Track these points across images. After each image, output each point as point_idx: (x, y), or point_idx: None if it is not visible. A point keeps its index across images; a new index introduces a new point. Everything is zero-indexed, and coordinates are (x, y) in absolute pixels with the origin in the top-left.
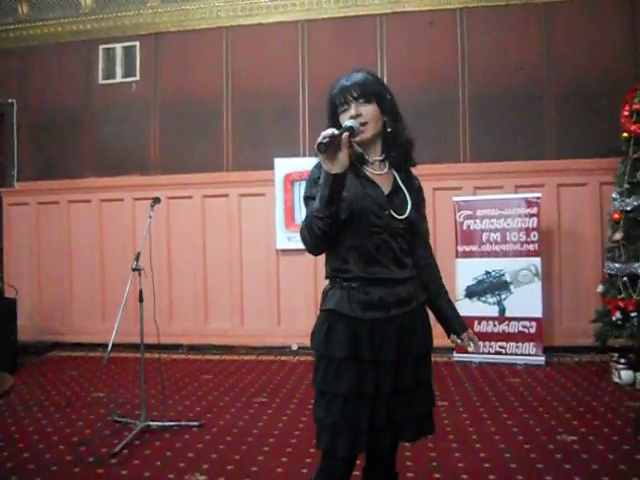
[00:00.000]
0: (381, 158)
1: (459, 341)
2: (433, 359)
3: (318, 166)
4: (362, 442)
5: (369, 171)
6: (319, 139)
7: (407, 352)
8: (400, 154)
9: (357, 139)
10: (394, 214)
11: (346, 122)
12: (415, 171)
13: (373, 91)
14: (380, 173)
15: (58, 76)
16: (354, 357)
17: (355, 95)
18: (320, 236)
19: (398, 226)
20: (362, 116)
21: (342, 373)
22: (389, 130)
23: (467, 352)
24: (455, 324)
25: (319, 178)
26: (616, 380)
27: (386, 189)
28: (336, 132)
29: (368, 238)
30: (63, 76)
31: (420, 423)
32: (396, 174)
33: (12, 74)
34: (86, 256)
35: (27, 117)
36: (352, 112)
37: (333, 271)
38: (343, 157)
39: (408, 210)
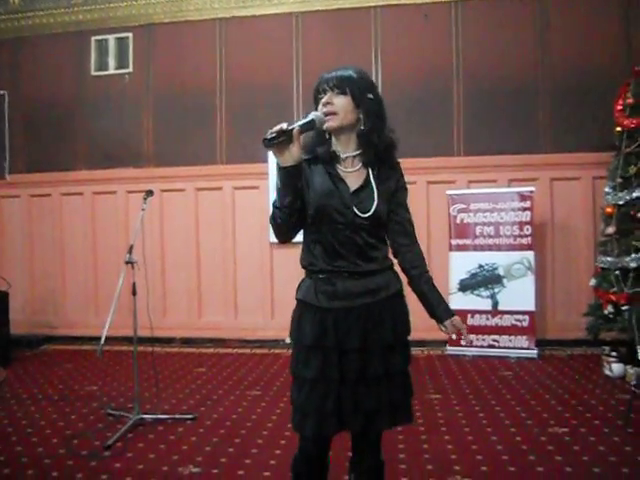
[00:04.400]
0: (354, 154)
1: (443, 328)
2: (426, 352)
3: None
4: (328, 425)
5: (340, 168)
6: (266, 134)
7: (374, 341)
8: (373, 152)
9: (324, 127)
10: (357, 211)
11: (310, 114)
12: (408, 164)
13: (350, 85)
14: (351, 170)
15: (50, 68)
16: (320, 345)
17: (331, 85)
18: (281, 225)
19: (362, 222)
20: (333, 105)
21: (310, 360)
22: (362, 128)
23: (460, 345)
24: (438, 311)
25: None
26: (607, 373)
27: (354, 185)
28: (285, 126)
29: (332, 234)
30: (55, 68)
31: (395, 411)
32: (370, 170)
33: (3, 65)
34: (79, 249)
35: (19, 109)
36: (325, 99)
37: (304, 262)
38: (294, 150)
39: (373, 207)
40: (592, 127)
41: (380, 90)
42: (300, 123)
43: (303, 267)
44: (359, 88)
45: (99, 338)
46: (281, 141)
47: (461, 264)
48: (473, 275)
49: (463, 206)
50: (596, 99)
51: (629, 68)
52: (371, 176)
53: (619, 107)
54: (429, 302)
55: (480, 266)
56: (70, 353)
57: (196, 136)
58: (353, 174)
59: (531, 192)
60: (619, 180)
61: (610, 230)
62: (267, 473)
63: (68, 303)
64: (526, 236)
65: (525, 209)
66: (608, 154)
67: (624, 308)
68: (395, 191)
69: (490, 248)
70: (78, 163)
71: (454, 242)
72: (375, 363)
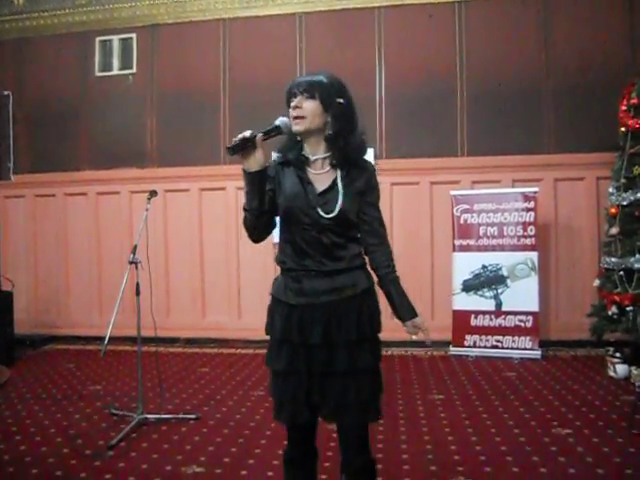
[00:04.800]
0: (323, 157)
1: (405, 328)
2: (430, 353)
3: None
4: (302, 414)
5: (310, 170)
6: (231, 142)
7: (337, 337)
8: (340, 155)
9: (295, 130)
10: (321, 212)
11: (276, 120)
12: (412, 165)
13: (319, 90)
14: (320, 172)
15: (54, 68)
16: (288, 339)
17: (301, 89)
18: (250, 227)
19: (327, 222)
20: (301, 109)
21: (280, 353)
22: (329, 132)
23: (464, 345)
24: (400, 311)
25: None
26: (611, 374)
27: (321, 187)
28: (247, 134)
29: (299, 234)
30: (59, 68)
31: (363, 408)
32: (339, 172)
33: (8, 66)
34: (83, 249)
35: (23, 109)
36: (294, 102)
37: (277, 260)
38: (259, 156)
39: (337, 208)
40: (596, 127)
41: (384, 91)
42: (264, 130)
43: (278, 265)
44: (328, 92)
45: (103, 338)
46: (244, 148)
47: (465, 265)
48: (477, 276)
49: (467, 206)
50: (600, 99)
51: (633, 68)
52: (339, 178)
53: (623, 107)
54: (393, 302)
55: (484, 267)
56: (74, 353)
57: (200, 136)
58: (321, 176)
59: (535, 192)
60: (623, 181)
61: (614, 231)
62: (270, 473)
63: (72, 303)
64: (530, 236)
65: (529, 209)
66: (612, 154)
67: (628, 309)
68: (365, 191)
69: (494, 248)
70: (82, 163)
71: (457, 242)
72: (340, 359)
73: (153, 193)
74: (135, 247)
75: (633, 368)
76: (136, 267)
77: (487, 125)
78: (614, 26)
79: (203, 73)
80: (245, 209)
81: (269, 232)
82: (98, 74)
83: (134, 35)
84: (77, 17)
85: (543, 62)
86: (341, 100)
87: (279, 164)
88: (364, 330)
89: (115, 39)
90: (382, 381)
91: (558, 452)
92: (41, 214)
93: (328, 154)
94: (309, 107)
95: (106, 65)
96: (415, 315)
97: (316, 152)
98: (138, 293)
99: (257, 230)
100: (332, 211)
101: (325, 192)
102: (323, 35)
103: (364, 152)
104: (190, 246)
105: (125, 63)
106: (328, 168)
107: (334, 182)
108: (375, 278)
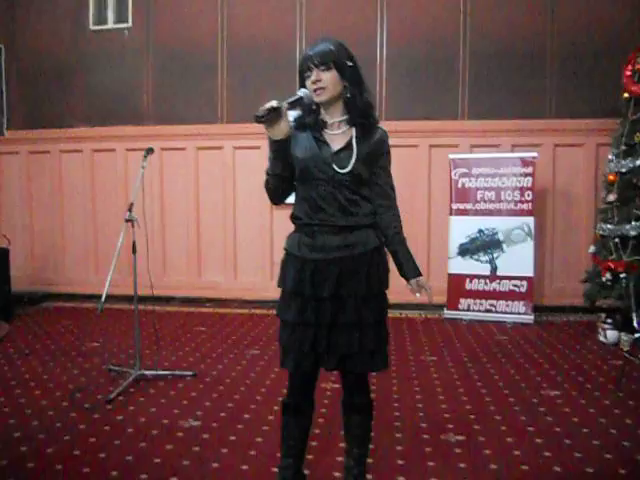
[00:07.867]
0: (341, 119)
1: (409, 287)
2: (424, 315)
3: None
4: (306, 362)
5: (327, 132)
6: (258, 111)
7: (347, 291)
8: (357, 115)
9: (318, 101)
10: (336, 168)
11: (298, 91)
12: (411, 127)
13: (333, 59)
14: (336, 133)
15: (48, 21)
16: (299, 291)
17: (316, 62)
18: (273, 191)
19: (343, 178)
20: (321, 81)
21: (290, 305)
22: (348, 95)
23: (458, 309)
24: (405, 269)
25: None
26: (602, 339)
27: (337, 146)
28: (275, 104)
29: (314, 190)
30: (53, 21)
31: (368, 358)
32: (354, 132)
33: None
34: (78, 206)
35: (16, 63)
36: (313, 77)
37: (293, 217)
38: (284, 125)
39: (351, 164)
40: (599, 93)
41: (385, 51)
42: (289, 100)
43: (292, 222)
44: (341, 60)
45: (99, 296)
46: (271, 117)
47: (461, 228)
48: (473, 240)
49: (465, 170)
50: (604, 64)
51: (639, 33)
52: (354, 137)
53: (628, 73)
54: (399, 261)
55: (480, 231)
56: (71, 310)
57: (197, 94)
58: (338, 136)
59: (534, 158)
60: (623, 147)
61: (611, 198)
62: (266, 427)
63: (68, 260)
64: (527, 202)
65: (527, 175)
66: (613, 121)
67: (622, 276)
68: (379, 155)
69: (490, 213)
70: (77, 120)
71: (455, 206)
72: (348, 312)
73: (149, 151)
74: (132, 205)
75: (623, 334)
76: (132, 225)
77: (488, 88)
78: None
79: (201, 28)
80: (268, 173)
81: (288, 195)
82: (93, 28)
83: None
84: None
85: (548, 25)
86: (350, 63)
87: (295, 129)
88: (372, 286)
89: None
90: (387, 333)
91: (546, 412)
92: (36, 171)
93: (345, 117)
94: (328, 78)
95: (101, 18)
96: (419, 274)
97: (334, 115)
98: (134, 251)
99: (279, 193)
100: (346, 166)
101: (340, 151)
102: None
103: (374, 108)
104: (186, 205)
105: (120, 16)
106: (345, 128)
107: (349, 142)
108: (383, 238)
